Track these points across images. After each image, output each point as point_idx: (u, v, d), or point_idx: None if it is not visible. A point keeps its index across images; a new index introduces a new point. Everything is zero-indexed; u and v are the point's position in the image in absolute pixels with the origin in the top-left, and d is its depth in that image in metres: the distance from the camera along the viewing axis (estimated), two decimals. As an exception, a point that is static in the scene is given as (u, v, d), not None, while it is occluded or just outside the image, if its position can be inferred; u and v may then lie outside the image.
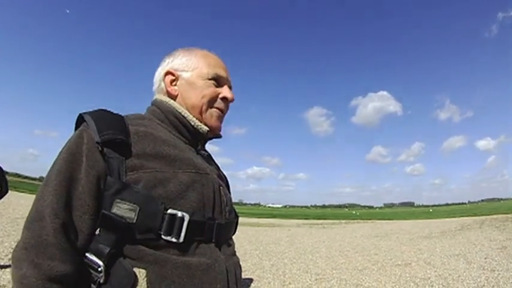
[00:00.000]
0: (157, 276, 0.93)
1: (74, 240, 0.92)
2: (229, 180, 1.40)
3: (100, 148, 0.97)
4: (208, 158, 1.30)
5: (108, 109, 1.09)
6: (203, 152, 1.26)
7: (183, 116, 1.19)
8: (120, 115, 1.08)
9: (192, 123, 1.19)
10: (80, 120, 1.07)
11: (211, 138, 1.30)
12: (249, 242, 14.89)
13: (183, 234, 0.96)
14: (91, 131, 0.98)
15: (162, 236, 0.95)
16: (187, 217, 0.98)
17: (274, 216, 59.42)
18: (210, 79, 1.22)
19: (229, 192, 1.36)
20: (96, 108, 1.08)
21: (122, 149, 0.98)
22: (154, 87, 1.30)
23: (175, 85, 1.24)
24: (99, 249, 0.91)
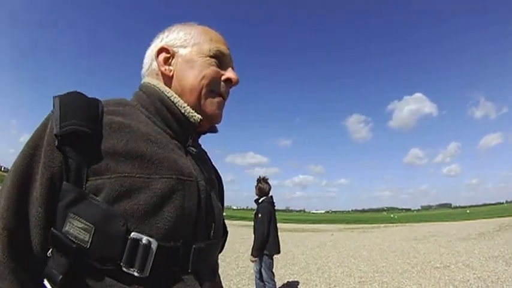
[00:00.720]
0: None
1: (25, 258, 0.70)
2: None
3: (57, 143, 0.71)
4: (201, 157, 0.99)
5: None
6: (192, 149, 0.93)
7: (172, 102, 0.90)
8: (95, 100, 0.81)
9: (183, 111, 0.89)
10: None
11: (205, 132, 1.01)
12: (296, 246, 14.85)
13: (148, 266, 0.70)
14: (53, 120, 0.74)
15: (123, 268, 0.69)
16: (154, 244, 0.71)
17: (318, 221, 58.82)
18: (211, 56, 0.94)
19: (222, 200, 1.11)
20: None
21: (86, 145, 0.72)
22: (144, 69, 1.01)
23: (170, 64, 0.95)
24: (52, 276, 0.68)
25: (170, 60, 0.95)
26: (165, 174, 0.77)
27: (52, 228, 0.70)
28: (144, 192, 0.73)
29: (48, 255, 0.71)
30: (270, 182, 5.56)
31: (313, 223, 50.50)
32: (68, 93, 0.79)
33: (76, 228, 0.68)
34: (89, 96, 0.82)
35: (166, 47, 0.95)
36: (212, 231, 0.89)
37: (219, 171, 1.15)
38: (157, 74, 0.96)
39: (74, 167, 0.71)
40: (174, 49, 0.95)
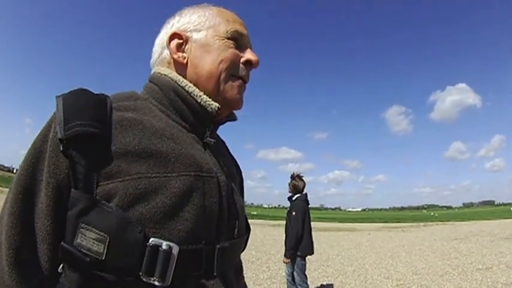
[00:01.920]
0: None
1: (34, 278, 0.65)
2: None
3: (63, 148, 0.66)
4: (219, 149, 0.95)
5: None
6: (211, 140, 0.87)
7: (187, 92, 0.83)
8: (103, 96, 0.76)
9: (199, 100, 0.83)
10: None
11: (224, 122, 0.94)
12: (330, 247, 14.76)
13: (170, 273, 0.65)
14: (57, 122, 0.68)
15: (142, 277, 0.64)
16: (176, 249, 0.66)
17: (354, 220, 58.14)
18: (229, 38, 0.87)
19: (243, 195, 1.05)
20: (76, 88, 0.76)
21: (95, 148, 0.67)
22: (153, 58, 0.94)
23: (183, 51, 0.88)
24: None
25: (183, 47, 0.88)
26: (183, 172, 0.73)
27: (62, 242, 0.65)
28: (161, 193, 0.68)
29: (59, 271, 0.66)
30: (304, 178, 5.49)
31: (349, 222, 49.88)
32: (71, 91, 0.74)
33: (89, 240, 0.63)
34: (96, 91, 0.77)
35: (178, 32, 0.88)
36: (236, 229, 0.85)
37: (238, 162, 1.09)
38: (169, 63, 0.90)
39: (82, 173, 0.66)
40: (187, 34, 0.88)
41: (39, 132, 0.72)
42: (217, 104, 0.84)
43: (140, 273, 0.64)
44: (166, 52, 0.90)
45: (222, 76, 0.84)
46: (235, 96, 0.87)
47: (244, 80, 0.89)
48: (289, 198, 5.40)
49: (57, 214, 0.66)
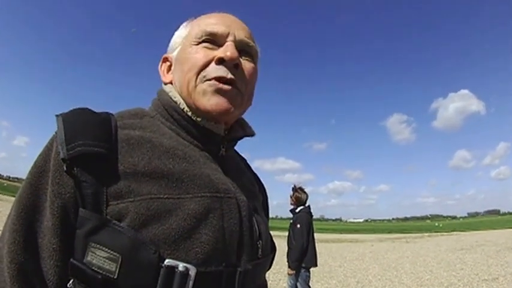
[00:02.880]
0: None
1: None
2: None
3: (66, 168, 0.65)
4: (237, 166, 0.92)
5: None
6: (229, 161, 0.85)
7: (183, 111, 0.80)
8: (106, 114, 0.75)
9: (188, 116, 0.80)
10: None
11: (241, 137, 0.88)
12: (332, 258, 14.69)
13: None
14: (59, 143, 0.67)
15: None
16: (193, 270, 0.63)
17: (356, 231, 57.98)
18: (200, 42, 0.80)
19: (267, 214, 1.02)
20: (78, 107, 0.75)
21: (101, 167, 0.66)
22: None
23: (171, 71, 0.88)
24: None
25: (172, 68, 0.87)
26: (198, 193, 0.70)
27: (72, 259, 0.64)
28: (175, 214, 0.66)
29: (69, 286, 0.64)
30: (306, 190, 5.54)
31: (351, 233, 49.84)
32: (71, 110, 0.73)
33: (100, 258, 0.61)
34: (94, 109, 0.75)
35: (166, 55, 0.90)
36: (260, 250, 0.79)
37: (261, 179, 1.05)
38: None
39: (89, 192, 0.64)
40: (171, 55, 0.88)
41: (40, 151, 0.71)
42: (223, 126, 0.80)
43: None
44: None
45: (190, 85, 0.77)
46: (210, 102, 0.76)
47: (219, 80, 0.76)
48: (293, 211, 5.41)
49: (64, 232, 0.64)
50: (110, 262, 0.60)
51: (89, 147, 0.64)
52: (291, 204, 5.39)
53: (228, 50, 0.76)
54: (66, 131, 0.66)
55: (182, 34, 0.87)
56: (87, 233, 0.63)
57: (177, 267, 0.62)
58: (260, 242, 0.80)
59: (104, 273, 0.60)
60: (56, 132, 0.69)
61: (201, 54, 0.78)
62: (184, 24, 0.90)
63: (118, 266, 0.60)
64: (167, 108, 0.82)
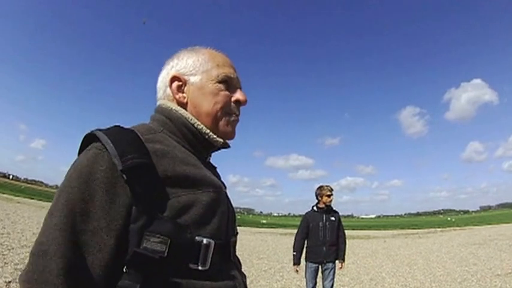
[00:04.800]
0: None
1: (82, 281, 0.76)
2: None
3: (125, 176, 0.81)
4: (214, 169, 1.15)
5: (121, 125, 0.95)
6: (213, 165, 1.13)
7: (197, 129, 1.03)
8: (134, 131, 0.91)
9: (206, 137, 1.04)
10: (89, 138, 0.90)
11: (220, 148, 1.13)
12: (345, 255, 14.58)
13: (208, 260, 0.87)
14: (111, 156, 0.82)
15: (190, 265, 0.85)
16: (212, 243, 0.88)
17: (368, 227, 57.68)
18: (220, 82, 1.05)
19: None
20: (111, 126, 0.93)
21: (146, 175, 0.84)
22: (159, 93, 1.12)
23: (183, 91, 1.06)
24: (128, 287, 0.79)
25: (183, 88, 1.06)
26: (205, 189, 0.94)
27: (133, 248, 0.80)
28: (195, 205, 0.89)
29: (125, 271, 0.79)
30: (315, 185, 5.81)
31: (363, 229, 49.51)
32: (110, 128, 0.90)
33: (154, 243, 0.80)
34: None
35: (177, 75, 1.06)
36: (236, 228, 1.11)
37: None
38: (172, 100, 1.07)
39: (141, 195, 0.81)
40: (185, 77, 1.06)
41: (80, 164, 0.84)
42: (222, 140, 1.06)
43: (189, 262, 0.85)
44: (168, 90, 1.08)
45: (218, 115, 1.05)
46: (229, 130, 1.08)
47: (236, 116, 1.10)
48: (332, 209, 5.61)
49: (117, 229, 0.80)
50: (161, 245, 0.80)
51: (138, 159, 0.82)
52: (328, 203, 5.55)
53: (243, 96, 1.09)
54: (116, 147, 0.82)
55: (199, 65, 1.07)
56: (142, 226, 0.81)
57: (203, 242, 0.87)
58: (235, 223, 1.12)
59: (158, 254, 0.79)
60: (99, 148, 0.85)
61: (226, 93, 1.06)
62: (194, 52, 1.11)
63: (167, 247, 0.80)
64: (177, 125, 1.03)
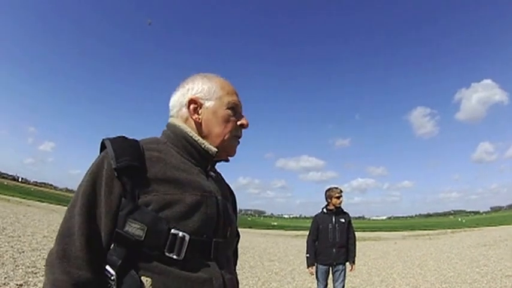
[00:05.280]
0: (161, 284, 0.99)
1: (95, 253, 1.00)
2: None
3: (117, 174, 1.02)
4: (218, 179, 1.30)
5: (126, 135, 1.14)
6: (212, 174, 1.26)
7: (194, 140, 1.20)
8: (136, 141, 1.13)
9: (202, 146, 1.20)
10: (103, 145, 1.11)
11: (220, 161, 1.31)
12: (356, 257, 14.53)
13: (183, 252, 1.02)
14: (110, 158, 1.03)
15: (166, 253, 1.00)
16: (187, 237, 1.02)
17: (379, 229, 57.30)
18: (229, 108, 1.24)
19: (235, 211, 1.43)
20: (118, 135, 1.13)
21: (137, 174, 1.03)
22: (172, 111, 1.30)
23: (198, 113, 1.23)
24: (113, 261, 0.99)
25: (198, 110, 1.23)
26: (193, 192, 1.09)
27: (116, 229, 1.00)
28: (179, 204, 1.05)
29: (111, 248, 1.02)
30: (326, 187, 5.79)
31: (374, 231, 49.29)
32: (115, 137, 1.11)
33: (134, 228, 0.99)
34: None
35: (195, 98, 1.23)
36: (228, 233, 1.21)
37: (232, 188, 1.47)
38: (186, 119, 1.24)
39: (129, 189, 1.02)
40: (201, 101, 1.23)
41: (93, 165, 1.09)
42: (215, 149, 1.21)
43: (164, 250, 1.01)
44: (184, 110, 1.25)
45: (226, 137, 1.22)
46: (233, 149, 1.29)
47: (239, 138, 1.29)
48: (342, 210, 5.61)
49: (112, 214, 1.02)
50: (140, 230, 0.99)
51: (130, 162, 1.03)
52: (339, 204, 5.56)
53: (246, 121, 1.28)
54: (115, 151, 1.04)
55: (213, 92, 1.25)
56: (127, 213, 1.01)
57: (178, 234, 1.02)
58: (229, 228, 1.22)
59: (135, 237, 0.99)
60: (105, 151, 1.08)
61: (234, 120, 1.25)
62: (207, 79, 1.29)
63: (144, 233, 0.99)
64: (178, 138, 1.21)
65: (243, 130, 1.31)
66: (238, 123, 1.27)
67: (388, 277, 9.73)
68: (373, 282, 9.00)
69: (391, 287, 8.45)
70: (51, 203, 39.28)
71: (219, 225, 1.15)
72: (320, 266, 5.40)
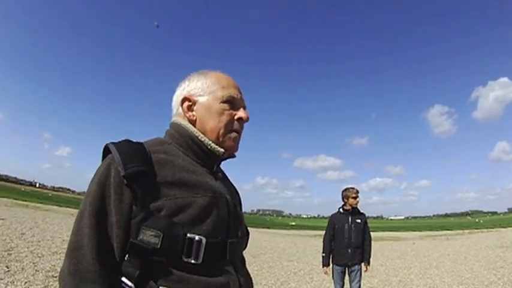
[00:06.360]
0: None
1: (108, 266, 0.94)
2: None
3: (126, 181, 0.96)
4: (224, 178, 1.27)
5: (130, 138, 1.09)
6: (218, 174, 1.22)
7: (200, 140, 1.15)
8: (141, 143, 1.07)
9: (209, 147, 1.15)
10: (107, 149, 1.06)
11: (226, 158, 1.25)
12: (374, 257, 14.03)
13: (201, 255, 0.97)
14: (117, 165, 0.98)
15: (183, 258, 0.96)
16: (204, 240, 0.98)
17: (397, 229, 56.58)
18: (224, 102, 1.17)
19: (241, 209, 1.36)
20: (122, 139, 1.07)
21: (146, 180, 0.98)
22: (173, 111, 1.26)
23: (192, 110, 1.19)
24: (129, 272, 0.94)
25: (192, 107, 1.18)
26: (203, 194, 1.05)
27: (131, 239, 0.94)
28: (191, 207, 1.00)
29: (126, 259, 0.96)
30: (344, 186, 5.70)
31: (392, 231, 48.57)
32: (120, 142, 1.04)
33: (149, 236, 0.93)
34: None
35: (188, 96, 1.19)
36: (239, 231, 1.18)
37: (235, 186, 1.41)
38: (183, 117, 1.20)
39: (140, 196, 0.96)
40: (195, 98, 1.18)
41: (98, 173, 1.02)
42: (222, 150, 1.16)
43: (182, 255, 0.96)
44: (180, 109, 1.21)
45: (221, 132, 1.15)
46: (231, 144, 1.18)
47: (238, 132, 1.20)
48: (359, 211, 5.57)
49: (124, 223, 0.96)
50: (155, 238, 0.93)
51: (139, 167, 0.97)
52: (356, 205, 5.51)
53: (245, 113, 1.20)
54: (121, 157, 0.98)
55: (206, 87, 1.19)
56: (139, 221, 0.95)
57: (194, 238, 0.98)
58: (240, 227, 1.20)
59: (151, 245, 0.93)
60: (111, 158, 1.01)
61: (229, 113, 1.17)
62: (203, 75, 1.23)
63: (160, 240, 0.93)
64: (184, 137, 1.15)
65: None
66: (236, 116, 1.19)
67: (406, 277, 9.67)
68: (390, 283, 8.95)
69: (409, 287, 8.43)
70: (69, 207, 38.45)
71: (230, 225, 1.13)
72: (336, 267, 5.38)
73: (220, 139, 1.16)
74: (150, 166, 1.00)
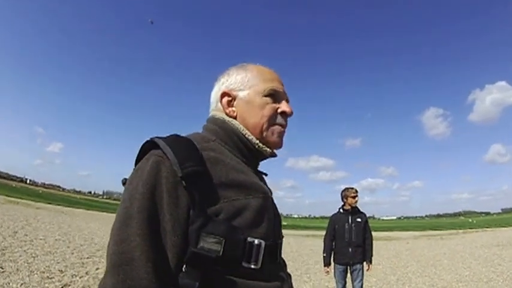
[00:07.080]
0: None
1: (165, 280, 0.81)
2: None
3: (184, 183, 0.86)
4: (263, 178, 1.20)
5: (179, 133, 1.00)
6: (262, 173, 1.18)
7: (247, 139, 1.08)
8: (190, 139, 0.96)
9: (257, 147, 1.08)
10: (148, 145, 0.95)
11: (266, 158, 1.17)
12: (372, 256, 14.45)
13: (260, 259, 0.90)
14: (171, 163, 0.87)
15: (243, 263, 0.88)
16: (263, 243, 0.91)
17: (389, 229, 56.86)
18: (266, 95, 1.10)
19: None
20: (169, 134, 0.98)
21: (202, 181, 0.88)
22: (212, 106, 1.18)
23: (232, 106, 1.12)
24: (187, 285, 0.82)
25: (232, 102, 1.11)
26: (256, 195, 0.97)
27: (190, 247, 0.83)
28: (247, 209, 0.92)
29: (184, 270, 0.84)
30: (336, 187, 5.75)
31: (385, 230, 48.82)
32: (169, 136, 0.94)
33: (209, 243, 0.83)
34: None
35: (227, 91, 1.12)
36: (281, 232, 1.14)
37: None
38: (222, 113, 1.12)
39: (198, 199, 0.85)
40: (234, 93, 1.11)
41: (143, 172, 0.89)
42: (270, 150, 1.10)
43: (242, 261, 0.88)
44: (219, 105, 1.13)
45: (264, 127, 1.08)
46: (275, 140, 1.11)
47: (283, 127, 1.13)
48: (358, 210, 5.59)
49: (181, 230, 0.85)
50: (217, 244, 0.84)
51: (195, 167, 0.87)
52: (355, 204, 5.55)
53: (289, 107, 1.13)
54: (176, 155, 0.87)
55: (247, 81, 1.12)
56: (199, 227, 0.84)
57: (254, 242, 0.90)
58: (281, 227, 1.14)
59: (214, 253, 0.83)
60: (160, 155, 0.89)
61: (271, 107, 1.10)
62: (242, 69, 1.16)
63: (222, 246, 0.84)
64: (229, 135, 1.08)
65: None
66: (279, 110, 1.12)
67: (404, 276, 9.65)
68: (389, 281, 8.93)
69: (408, 286, 8.36)
70: (59, 205, 37.78)
71: (276, 226, 1.06)
72: (337, 266, 5.44)
73: (264, 134, 1.10)
74: (204, 166, 0.91)
